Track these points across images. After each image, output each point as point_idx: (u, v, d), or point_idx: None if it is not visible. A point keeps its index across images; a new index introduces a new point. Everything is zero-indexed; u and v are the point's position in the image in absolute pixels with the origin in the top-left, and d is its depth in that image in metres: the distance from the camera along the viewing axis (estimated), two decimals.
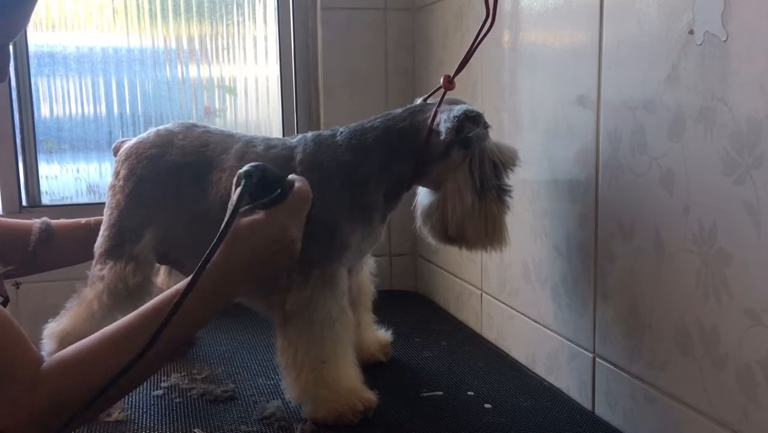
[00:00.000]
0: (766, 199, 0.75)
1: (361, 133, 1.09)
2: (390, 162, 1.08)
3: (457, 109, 1.01)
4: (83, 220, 1.24)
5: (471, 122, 1.01)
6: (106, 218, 1.15)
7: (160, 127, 1.19)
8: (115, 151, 1.21)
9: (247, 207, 0.88)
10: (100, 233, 1.15)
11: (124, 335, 0.80)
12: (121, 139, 1.23)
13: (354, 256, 1.12)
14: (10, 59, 0.84)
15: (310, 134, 1.13)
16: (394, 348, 1.31)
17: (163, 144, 1.15)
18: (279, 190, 0.89)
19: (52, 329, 1.12)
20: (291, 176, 0.93)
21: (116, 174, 1.17)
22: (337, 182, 1.07)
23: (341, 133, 1.11)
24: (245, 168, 0.89)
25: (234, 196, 0.87)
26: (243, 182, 0.87)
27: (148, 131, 1.19)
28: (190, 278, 0.81)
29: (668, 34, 0.87)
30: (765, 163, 0.74)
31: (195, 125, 1.19)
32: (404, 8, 1.73)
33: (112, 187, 1.16)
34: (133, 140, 1.19)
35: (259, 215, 0.87)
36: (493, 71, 1.33)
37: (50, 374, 0.76)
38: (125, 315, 1.16)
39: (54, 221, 1.22)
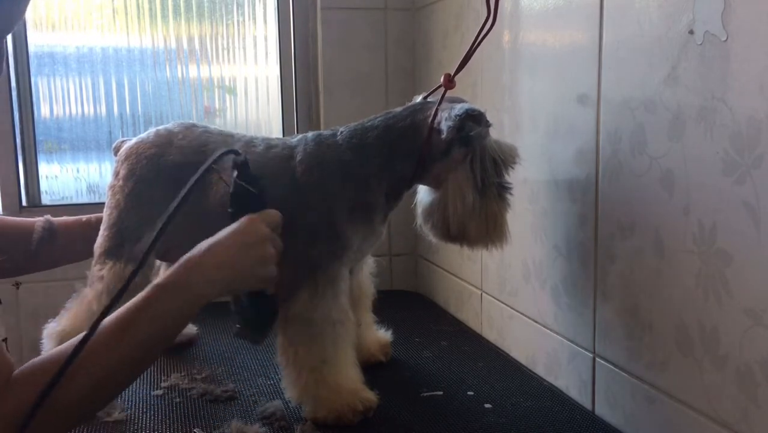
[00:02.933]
0: (766, 199, 0.75)
1: (362, 132, 1.09)
2: (391, 161, 1.08)
3: (459, 108, 1.01)
4: (84, 217, 1.24)
5: (472, 121, 1.01)
6: (105, 217, 1.15)
7: (160, 127, 1.19)
8: (116, 151, 1.21)
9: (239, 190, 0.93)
10: (100, 232, 1.15)
11: (95, 340, 0.77)
12: (121, 139, 1.23)
13: (355, 256, 1.12)
14: (6, 54, 0.83)
15: (310, 134, 1.13)
16: (394, 348, 1.31)
17: (163, 144, 1.15)
18: (257, 191, 0.94)
19: (51, 329, 1.12)
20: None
21: (116, 174, 1.17)
22: (338, 182, 1.07)
23: (342, 132, 1.11)
24: (242, 157, 0.93)
25: (231, 186, 0.93)
26: (227, 152, 0.92)
27: (148, 131, 1.19)
28: (164, 277, 0.84)
29: (668, 34, 0.87)
30: (765, 163, 0.74)
31: (195, 125, 1.19)
32: (404, 8, 1.73)
33: (112, 187, 1.16)
34: (133, 140, 1.19)
35: (239, 223, 0.91)
36: (493, 71, 1.33)
37: (21, 379, 0.73)
38: None
39: (56, 219, 1.22)
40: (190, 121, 1.21)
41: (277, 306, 1.00)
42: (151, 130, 1.19)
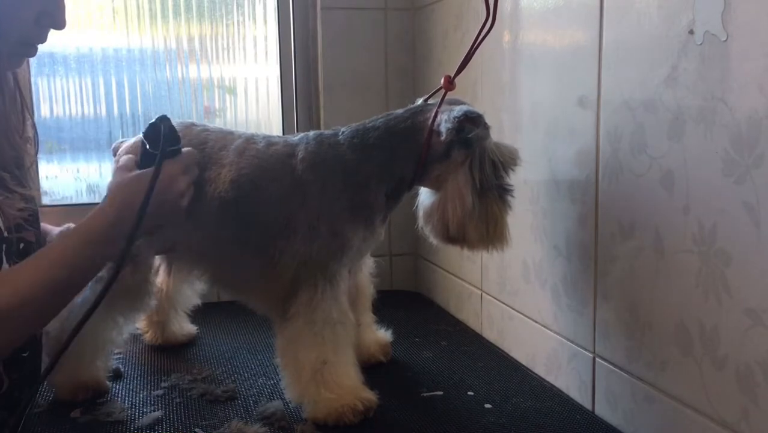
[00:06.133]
0: (766, 199, 0.75)
1: (363, 133, 1.09)
2: (391, 162, 1.08)
3: (458, 110, 1.01)
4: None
5: (471, 123, 1.01)
6: None
7: None
8: (115, 152, 1.20)
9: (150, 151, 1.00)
10: None
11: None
12: (120, 140, 1.23)
13: (355, 256, 1.12)
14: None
15: (312, 133, 1.13)
16: (394, 348, 1.31)
17: None
18: (181, 144, 1.02)
19: (54, 331, 1.12)
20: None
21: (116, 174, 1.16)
22: (338, 181, 1.07)
23: (343, 132, 1.11)
24: (157, 118, 1.01)
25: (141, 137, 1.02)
26: (157, 119, 1.00)
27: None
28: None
29: (668, 34, 0.87)
30: (765, 163, 0.74)
31: (194, 124, 1.19)
32: (404, 8, 1.73)
33: None
34: (132, 140, 1.18)
35: (147, 169, 0.97)
36: (493, 71, 1.33)
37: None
38: (124, 316, 1.16)
39: (61, 228, 1.21)
40: (189, 120, 1.21)
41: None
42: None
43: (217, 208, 1.09)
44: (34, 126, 1.09)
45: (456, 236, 1.04)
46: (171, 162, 1.00)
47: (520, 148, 1.08)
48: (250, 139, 1.13)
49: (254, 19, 1.78)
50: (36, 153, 1.10)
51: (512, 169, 1.06)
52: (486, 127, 1.04)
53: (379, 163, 1.08)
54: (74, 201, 1.70)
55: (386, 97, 1.74)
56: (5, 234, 0.90)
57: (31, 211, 0.99)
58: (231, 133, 1.17)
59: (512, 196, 1.05)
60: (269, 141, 1.13)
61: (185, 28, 1.73)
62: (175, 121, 1.22)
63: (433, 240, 1.10)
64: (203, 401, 1.12)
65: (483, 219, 1.02)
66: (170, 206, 1.00)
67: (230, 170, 1.09)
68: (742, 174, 0.77)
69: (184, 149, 1.04)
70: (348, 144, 1.09)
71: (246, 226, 1.08)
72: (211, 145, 1.13)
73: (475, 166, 1.02)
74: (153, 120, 1.01)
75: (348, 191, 1.07)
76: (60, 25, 0.95)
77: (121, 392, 1.16)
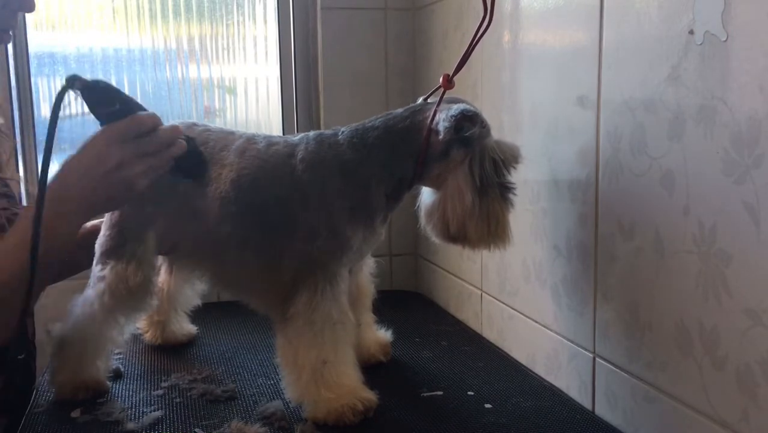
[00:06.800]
0: (766, 199, 0.75)
1: (363, 133, 1.09)
2: (391, 161, 1.08)
3: (455, 109, 1.01)
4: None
5: (468, 121, 1.01)
6: (106, 218, 1.15)
7: None
8: None
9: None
10: (101, 232, 1.15)
11: None
12: None
13: (355, 256, 1.12)
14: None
15: (312, 133, 1.13)
16: (394, 348, 1.31)
17: None
18: (117, 107, 0.87)
19: (56, 331, 1.12)
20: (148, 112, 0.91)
21: None
22: (338, 181, 1.07)
23: (343, 132, 1.11)
24: (71, 75, 0.86)
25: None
26: (62, 86, 0.85)
27: None
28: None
29: (668, 34, 0.87)
30: (765, 163, 0.74)
31: (195, 124, 1.19)
32: (404, 8, 1.73)
33: None
34: None
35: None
36: (493, 71, 1.33)
37: None
38: (126, 316, 1.16)
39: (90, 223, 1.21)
40: (191, 120, 1.21)
41: (200, 153, 0.98)
42: None
43: (219, 208, 1.09)
44: (7, 116, 1.05)
45: (457, 235, 1.04)
46: (103, 129, 0.88)
47: (521, 148, 1.08)
48: (250, 140, 1.13)
49: (254, 19, 1.78)
50: (14, 146, 1.06)
51: (514, 167, 1.05)
52: (484, 125, 1.04)
53: (378, 163, 1.08)
54: None
55: (386, 97, 1.74)
56: None
57: (12, 213, 0.97)
58: (232, 133, 1.17)
59: (514, 194, 1.05)
60: (269, 141, 1.13)
61: (185, 28, 1.73)
62: (177, 121, 1.22)
63: (435, 239, 1.10)
64: (203, 401, 1.12)
65: (484, 217, 1.02)
66: (118, 182, 0.87)
67: (231, 170, 1.09)
68: (742, 174, 0.77)
69: (135, 114, 0.90)
70: (348, 144, 1.09)
71: (247, 226, 1.08)
72: (212, 146, 1.13)
73: (475, 164, 1.02)
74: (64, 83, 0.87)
75: (348, 191, 1.07)
76: (29, 7, 0.90)
77: (121, 392, 1.16)
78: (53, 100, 0.88)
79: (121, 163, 0.86)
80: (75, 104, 1.68)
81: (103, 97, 0.87)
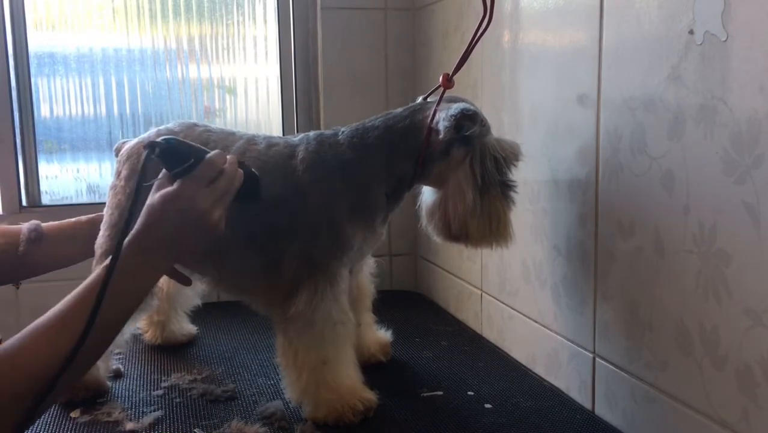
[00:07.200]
0: (766, 199, 0.75)
1: (363, 132, 1.09)
2: (391, 161, 1.08)
3: (455, 108, 1.01)
4: (73, 219, 1.23)
5: (468, 120, 1.01)
6: (106, 218, 1.15)
7: (161, 127, 1.19)
8: (117, 152, 1.21)
9: (153, 182, 0.89)
10: (101, 232, 1.15)
11: (57, 327, 0.81)
12: (122, 140, 1.23)
13: (356, 256, 1.12)
14: None
15: (312, 133, 1.13)
16: (394, 348, 1.31)
17: None
18: (192, 161, 0.89)
19: None
20: (212, 151, 0.92)
21: (117, 174, 1.17)
22: (339, 181, 1.07)
23: (343, 132, 1.11)
24: (147, 142, 0.88)
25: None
26: (144, 154, 0.87)
27: (149, 132, 1.19)
28: (108, 262, 0.83)
29: (668, 34, 0.87)
30: (765, 163, 0.74)
31: (196, 124, 1.19)
32: (404, 8, 1.73)
33: (114, 187, 1.16)
34: (134, 141, 1.19)
35: (169, 188, 0.88)
36: (494, 71, 1.33)
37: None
38: None
39: (45, 223, 1.20)
40: (191, 121, 1.21)
41: (254, 174, 0.99)
42: (152, 130, 1.19)
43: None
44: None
45: (459, 234, 1.04)
46: (186, 181, 0.89)
47: (521, 146, 1.08)
48: (251, 140, 1.13)
49: (254, 19, 1.78)
50: None
51: (514, 165, 1.05)
52: (484, 124, 1.04)
53: (379, 163, 1.08)
54: (74, 201, 1.70)
55: (386, 97, 1.74)
56: None
57: None
58: (233, 134, 1.17)
59: (516, 192, 1.05)
60: (270, 142, 1.13)
61: (185, 28, 1.73)
62: (177, 121, 1.22)
63: (436, 238, 1.10)
64: (203, 401, 1.12)
65: (486, 216, 1.02)
66: (201, 229, 0.89)
67: None
68: (742, 174, 0.77)
69: (212, 153, 0.92)
70: (348, 144, 1.09)
71: (248, 226, 1.08)
72: (212, 147, 1.12)
73: (476, 162, 1.02)
74: (154, 142, 0.88)
75: (348, 191, 1.07)
76: None
77: (121, 392, 1.16)
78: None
79: (207, 210, 0.89)
80: (75, 104, 1.68)
81: (179, 156, 0.89)
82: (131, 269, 0.85)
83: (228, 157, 0.94)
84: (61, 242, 1.20)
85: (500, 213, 1.03)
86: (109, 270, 0.82)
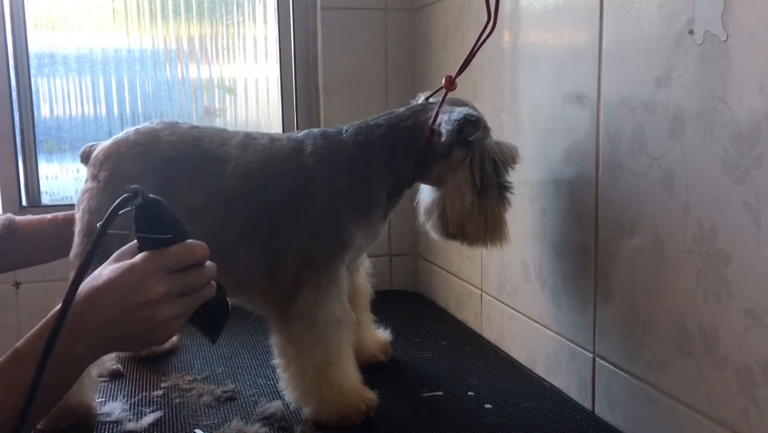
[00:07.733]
0: (766, 199, 0.75)
1: (367, 131, 1.09)
2: (393, 159, 1.08)
3: (458, 113, 1.01)
4: (49, 215, 1.19)
5: (471, 126, 1.02)
6: (82, 223, 1.08)
7: (139, 126, 1.14)
8: (86, 156, 1.14)
9: (117, 232, 0.70)
10: (76, 240, 1.08)
11: None
12: (89, 144, 1.16)
13: (355, 253, 1.12)
14: None
15: (316, 130, 1.13)
16: (394, 348, 1.31)
17: (149, 141, 1.11)
18: (170, 236, 0.71)
19: None
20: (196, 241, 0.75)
21: (94, 177, 1.10)
22: (345, 177, 1.07)
23: (346, 130, 1.11)
24: (134, 186, 0.70)
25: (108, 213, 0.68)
26: (123, 195, 0.69)
27: (125, 131, 1.14)
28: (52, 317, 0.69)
29: (668, 34, 0.87)
30: (765, 163, 0.74)
31: (177, 123, 1.15)
32: (404, 8, 1.73)
33: (89, 190, 1.09)
34: (108, 142, 1.13)
35: (125, 261, 0.71)
36: (494, 71, 1.33)
37: None
38: None
39: (19, 217, 1.17)
40: (170, 120, 1.17)
41: (227, 304, 0.79)
42: (129, 129, 1.14)
43: (224, 203, 1.07)
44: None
45: (455, 233, 1.06)
46: (150, 256, 0.70)
47: (520, 148, 1.08)
48: (249, 135, 1.13)
49: (254, 19, 1.78)
50: None
51: (512, 167, 1.07)
52: (485, 129, 1.04)
53: (382, 161, 1.08)
54: (74, 201, 1.69)
55: (386, 97, 1.74)
56: None
57: None
58: (224, 130, 1.15)
59: (512, 193, 1.06)
60: (272, 137, 1.13)
61: (185, 28, 1.73)
62: (155, 120, 1.14)
63: (434, 236, 1.10)
64: (203, 401, 1.12)
65: (482, 217, 1.03)
66: (143, 322, 0.69)
67: (237, 165, 1.08)
68: (742, 174, 0.77)
69: (195, 241, 0.73)
70: (353, 142, 1.09)
71: (254, 220, 1.07)
72: (208, 141, 1.11)
73: (476, 165, 1.03)
74: (128, 194, 0.70)
75: (353, 188, 1.07)
76: None
77: (121, 392, 1.16)
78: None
79: (161, 300, 0.69)
80: (75, 104, 1.68)
81: (158, 222, 0.72)
82: (58, 352, 0.67)
83: (209, 262, 0.74)
84: (36, 238, 1.17)
85: (496, 215, 1.04)
86: (47, 347, 0.66)
